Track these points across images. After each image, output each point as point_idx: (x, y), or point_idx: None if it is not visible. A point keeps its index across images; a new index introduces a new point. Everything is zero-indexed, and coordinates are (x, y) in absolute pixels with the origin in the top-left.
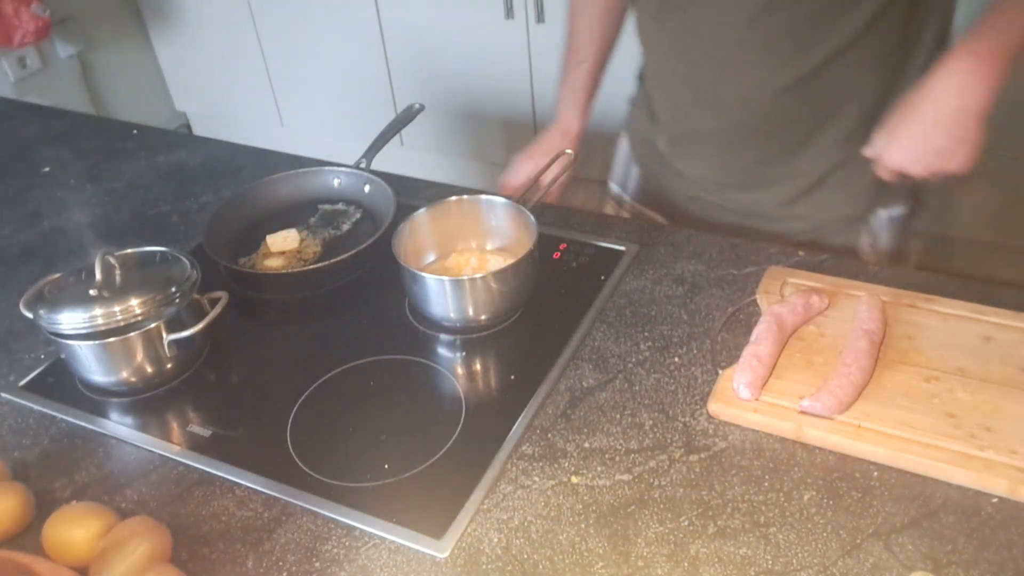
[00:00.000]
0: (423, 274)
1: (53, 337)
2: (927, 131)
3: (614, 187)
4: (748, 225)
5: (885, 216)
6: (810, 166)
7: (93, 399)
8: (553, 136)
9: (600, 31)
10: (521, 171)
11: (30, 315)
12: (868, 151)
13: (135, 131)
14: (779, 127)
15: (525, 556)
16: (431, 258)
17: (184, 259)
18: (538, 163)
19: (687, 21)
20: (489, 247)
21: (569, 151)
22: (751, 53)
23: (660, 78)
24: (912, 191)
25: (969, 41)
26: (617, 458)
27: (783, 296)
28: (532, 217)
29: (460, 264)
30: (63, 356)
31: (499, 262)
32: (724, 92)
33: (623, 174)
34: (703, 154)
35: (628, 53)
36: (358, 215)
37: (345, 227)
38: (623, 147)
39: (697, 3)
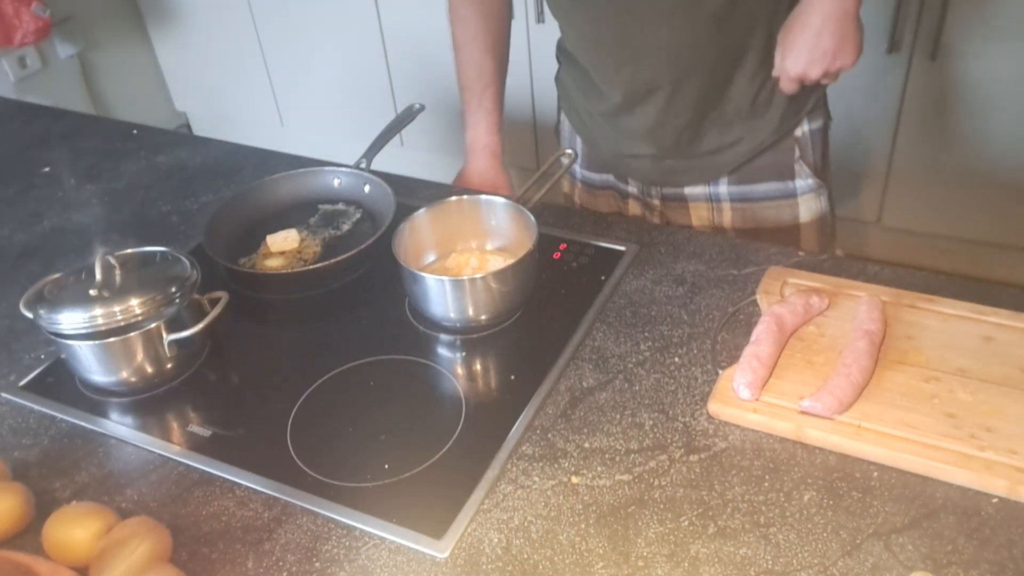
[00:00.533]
0: (423, 274)
1: (53, 337)
2: (816, 36)
3: (565, 161)
4: (695, 165)
5: (808, 129)
6: (742, 90)
7: (93, 399)
8: (485, 166)
9: (494, 54)
10: None
11: (30, 315)
12: (774, 71)
13: (135, 131)
14: (709, 60)
15: (525, 556)
16: (431, 258)
17: (184, 259)
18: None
19: None
20: (489, 247)
21: (569, 151)
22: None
23: (596, 48)
24: (823, 102)
25: None
26: (617, 458)
27: (783, 296)
28: (532, 217)
29: (460, 264)
30: (63, 356)
31: (499, 262)
32: (656, 40)
33: (569, 145)
34: (653, 104)
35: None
36: (358, 215)
37: (345, 227)
38: (564, 123)
39: None
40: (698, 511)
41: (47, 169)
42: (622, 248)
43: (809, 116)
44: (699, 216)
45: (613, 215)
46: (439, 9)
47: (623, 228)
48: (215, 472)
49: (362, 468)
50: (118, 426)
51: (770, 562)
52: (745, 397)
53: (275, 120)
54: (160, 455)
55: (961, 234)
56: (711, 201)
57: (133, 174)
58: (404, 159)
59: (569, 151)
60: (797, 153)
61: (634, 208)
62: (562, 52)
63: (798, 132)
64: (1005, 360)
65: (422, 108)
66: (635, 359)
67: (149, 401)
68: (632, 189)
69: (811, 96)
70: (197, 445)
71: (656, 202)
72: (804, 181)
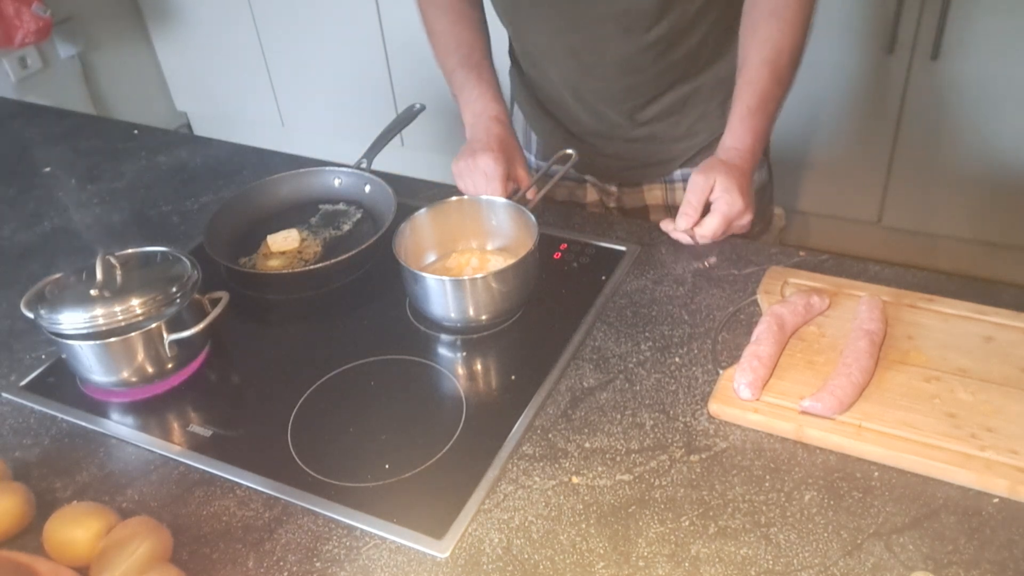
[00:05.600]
0: (424, 274)
1: (54, 337)
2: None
3: (563, 164)
4: (652, 154)
5: None
6: (696, 100)
7: (94, 399)
8: (499, 133)
9: (481, 32)
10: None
11: (31, 315)
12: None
13: (136, 131)
14: (658, 77)
15: (526, 556)
16: (431, 258)
17: (185, 259)
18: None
19: (565, 8)
20: (489, 247)
21: (570, 151)
22: (624, 24)
23: (549, 61)
24: None
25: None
26: (618, 458)
27: (784, 296)
28: (532, 217)
29: (460, 264)
30: (64, 356)
31: (499, 262)
32: (606, 57)
33: (524, 139)
34: (607, 112)
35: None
36: (359, 215)
37: (346, 227)
38: (518, 115)
39: None
40: (699, 511)
41: (48, 169)
42: (623, 248)
43: None
44: (653, 197)
45: (614, 215)
46: None
47: (624, 228)
48: (216, 472)
49: (363, 468)
50: (119, 426)
51: (771, 562)
52: (746, 397)
53: (275, 120)
54: (161, 455)
55: (961, 234)
56: (665, 183)
57: (134, 174)
58: (404, 159)
59: (570, 151)
60: None
61: (592, 195)
62: (515, 53)
63: None
64: (1006, 360)
65: (422, 108)
66: (636, 359)
67: (150, 401)
68: (589, 178)
69: None
70: (198, 445)
71: (613, 189)
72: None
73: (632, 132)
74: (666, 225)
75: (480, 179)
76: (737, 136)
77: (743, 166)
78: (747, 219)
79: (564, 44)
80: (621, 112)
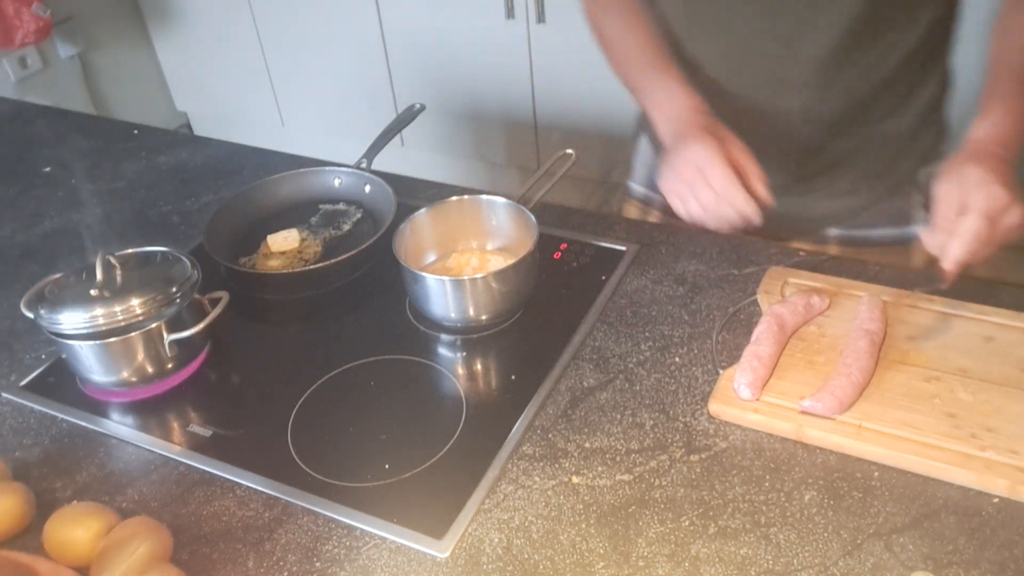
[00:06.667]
0: (424, 274)
1: (54, 337)
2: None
3: (638, 188)
4: (803, 208)
5: (931, 171)
6: (853, 140)
7: (94, 399)
8: (706, 123)
9: (655, 32)
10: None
11: (31, 315)
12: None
13: (136, 131)
14: (846, 83)
15: (526, 556)
16: (431, 258)
17: (185, 259)
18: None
19: (751, 47)
20: (490, 247)
21: (570, 151)
22: (809, 73)
23: (730, 69)
24: (939, 143)
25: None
26: (618, 458)
27: (784, 296)
28: (533, 217)
29: (461, 264)
30: (64, 356)
31: (500, 262)
32: (798, 57)
33: (649, 175)
34: (780, 132)
35: None
36: (359, 215)
37: (346, 227)
38: (644, 148)
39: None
40: (699, 511)
41: (48, 169)
42: (623, 248)
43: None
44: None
45: (615, 215)
46: (440, 9)
47: (624, 228)
48: (216, 472)
49: (363, 468)
50: (119, 426)
51: (771, 562)
52: (746, 397)
53: (276, 120)
54: (161, 455)
55: None
56: (816, 244)
57: (134, 174)
58: (405, 159)
59: (570, 151)
60: (919, 198)
61: None
62: None
63: (921, 176)
64: (1006, 360)
65: (423, 108)
66: (636, 359)
67: (150, 401)
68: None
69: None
70: (198, 445)
71: None
72: (924, 226)
73: (791, 187)
74: (930, 241)
75: (696, 166)
76: (996, 117)
77: (999, 153)
78: (1017, 215)
79: (757, 45)
80: (789, 160)
